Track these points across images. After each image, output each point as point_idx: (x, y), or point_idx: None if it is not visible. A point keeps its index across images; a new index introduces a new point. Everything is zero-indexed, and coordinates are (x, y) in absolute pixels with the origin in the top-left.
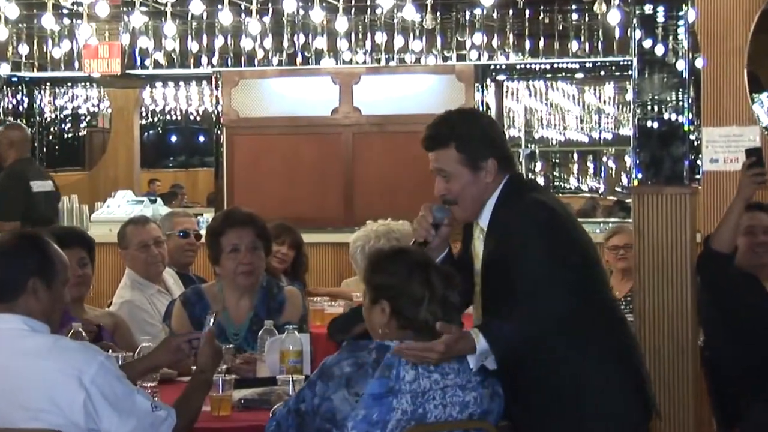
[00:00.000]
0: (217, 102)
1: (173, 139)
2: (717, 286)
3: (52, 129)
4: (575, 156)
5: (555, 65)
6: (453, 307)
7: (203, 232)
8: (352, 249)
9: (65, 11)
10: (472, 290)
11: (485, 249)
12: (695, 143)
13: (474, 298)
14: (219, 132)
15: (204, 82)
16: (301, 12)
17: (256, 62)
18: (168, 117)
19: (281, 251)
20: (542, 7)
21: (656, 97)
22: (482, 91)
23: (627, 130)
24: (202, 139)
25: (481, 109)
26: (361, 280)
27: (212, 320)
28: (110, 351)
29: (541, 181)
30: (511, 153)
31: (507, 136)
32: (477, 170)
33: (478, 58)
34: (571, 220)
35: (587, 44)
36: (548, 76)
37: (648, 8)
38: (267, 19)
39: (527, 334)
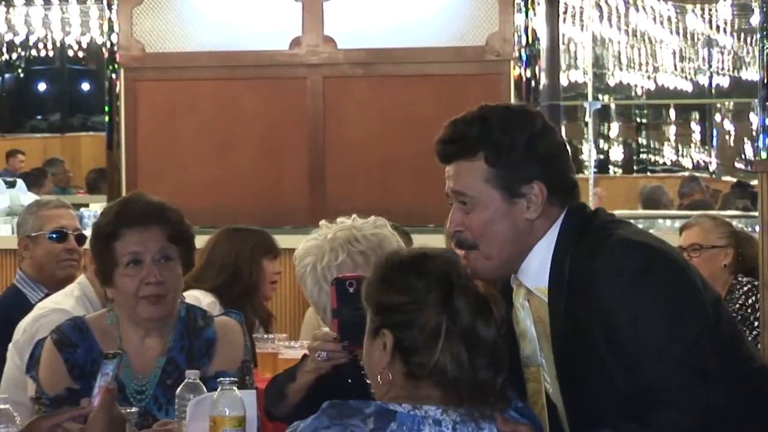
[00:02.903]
0: (111, 29)
1: (41, 87)
2: None
3: None
4: (671, 113)
5: None
6: (485, 349)
7: (88, 232)
8: (300, 268)
9: None
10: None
11: (552, 324)
12: None
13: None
14: (113, 76)
15: (90, 0)
16: None
17: None
18: (34, 53)
19: (275, 270)
20: None
21: None
22: (526, 12)
23: (752, 73)
24: (86, 87)
25: (524, 39)
26: (315, 311)
27: (113, 369)
28: None
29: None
30: (572, 177)
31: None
32: (514, 197)
33: None
34: (684, 263)
35: None
36: None
37: None
38: None
39: None
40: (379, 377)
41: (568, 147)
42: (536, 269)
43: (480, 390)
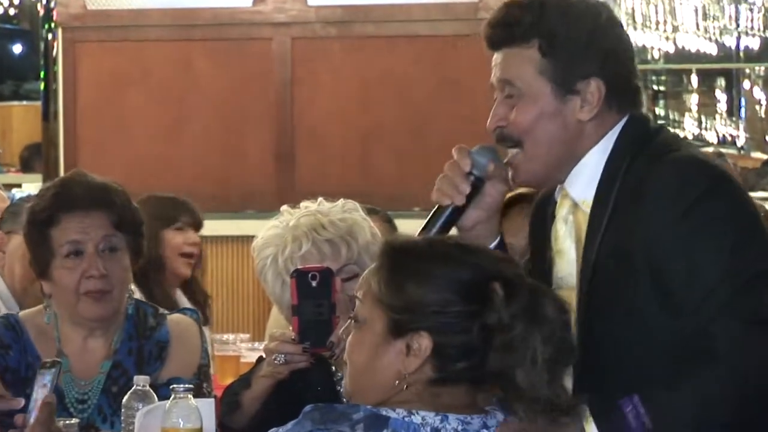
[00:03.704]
0: None
1: None
2: None
3: None
4: (693, 80)
5: None
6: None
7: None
8: (259, 261)
9: None
10: None
11: (590, 241)
12: None
13: None
14: (50, 37)
15: None
16: None
17: None
18: None
19: (188, 240)
20: None
21: None
22: None
23: None
24: (18, 50)
25: None
26: (278, 310)
27: (52, 380)
28: None
29: None
30: (637, 83)
31: None
32: (567, 93)
33: None
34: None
35: None
36: None
37: None
38: None
39: (726, 410)
40: (396, 383)
41: (633, 48)
42: (586, 180)
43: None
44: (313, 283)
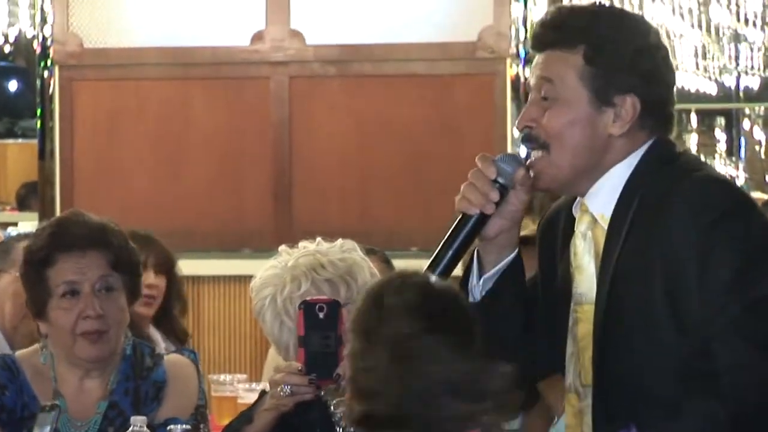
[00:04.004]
0: (44, 22)
1: None
2: None
3: None
4: (693, 119)
5: None
6: (494, 400)
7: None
8: (257, 302)
9: None
10: (564, 338)
11: (608, 255)
12: None
13: (571, 350)
14: (46, 75)
15: None
16: None
17: None
18: None
19: (146, 281)
20: None
21: None
22: (525, 1)
23: None
24: (14, 87)
25: (523, 34)
26: (276, 351)
27: (51, 423)
28: None
29: None
30: (672, 106)
31: None
32: (603, 105)
33: None
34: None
35: None
36: None
37: None
38: None
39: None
40: None
41: (675, 77)
42: (607, 195)
43: None
44: (321, 315)
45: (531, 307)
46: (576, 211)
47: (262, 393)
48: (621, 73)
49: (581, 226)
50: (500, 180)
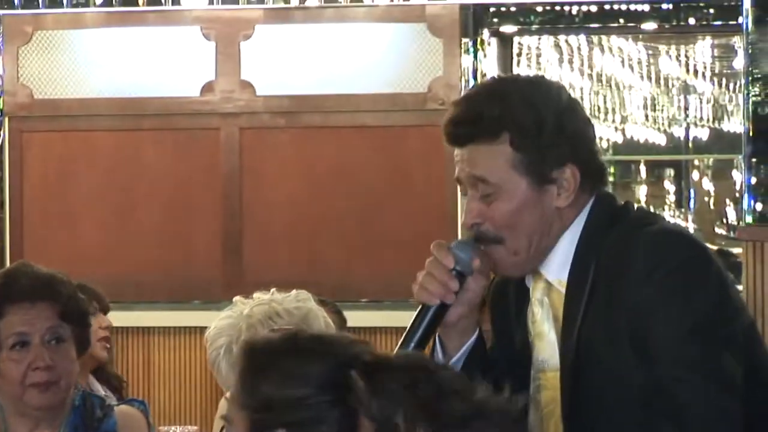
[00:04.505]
0: None
1: None
2: None
3: None
4: (642, 170)
5: (606, 7)
6: None
7: None
8: (212, 351)
9: None
10: (527, 404)
11: (569, 320)
12: None
13: (533, 417)
14: None
15: None
16: None
17: (63, 1)
18: None
19: (102, 324)
20: None
21: None
22: (475, 54)
23: (735, 125)
24: None
25: (470, 83)
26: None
27: None
28: None
29: None
30: (601, 159)
31: None
32: (544, 184)
33: None
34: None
35: None
36: (594, 26)
37: None
38: None
39: None
40: None
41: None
42: (560, 261)
43: None
44: None
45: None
46: (529, 281)
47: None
48: (551, 149)
49: (536, 293)
50: (458, 268)
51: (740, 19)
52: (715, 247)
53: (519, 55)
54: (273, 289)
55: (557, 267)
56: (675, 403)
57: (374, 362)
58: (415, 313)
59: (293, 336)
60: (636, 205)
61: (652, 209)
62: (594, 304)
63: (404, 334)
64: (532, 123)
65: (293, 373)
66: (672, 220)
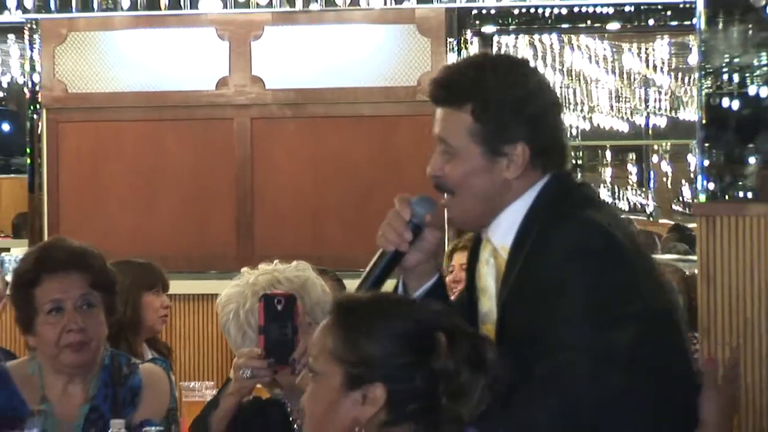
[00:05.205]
0: (32, 69)
1: None
2: None
3: None
4: (608, 155)
5: (575, 10)
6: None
7: (9, 278)
8: (222, 316)
9: None
10: None
11: (504, 283)
12: None
13: None
14: (35, 117)
15: (10, 38)
16: None
17: (95, 5)
18: None
19: (164, 304)
20: None
21: (735, 60)
22: (459, 52)
23: (690, 114)
24: (6, 128)
25: None
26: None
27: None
28: None
29: None
30: (563, 142)
31: None
32: (495, 156)
33: None
34: (637, 252)
35: None
36: (564, 26)
37: None
38: None
39: None
40: (352, 427)
41: (561, 105)
42: (505, 228)
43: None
44: (279, 307)
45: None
46: (483, 237)
47: (227, 380)
48: (508, 126)
49: (485, 254)
50: (414, 220)
51: (694, 20)
52: (672, 222)
53: (499, 52)
54: (276, 261)
55: (503, 233)
56: (562, 376)
57: (450, 326)
58: (375, 256)
59: (387, 298)
60: (589, 189)
61: (617, 189)
62: (518, 273)
63: (364, 275)
64: (495, 100)
65: (387, 333)
66: (634, 198)
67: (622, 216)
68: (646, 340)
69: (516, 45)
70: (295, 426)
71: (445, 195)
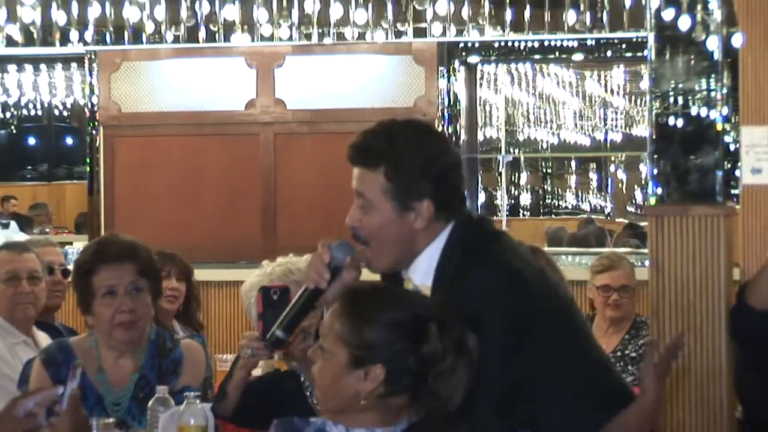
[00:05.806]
0: (92, 92)
1: (32, 141)
2: (755, 346)
3: None
4: (573, 164)
5: (546, 43)
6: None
7: (72, 267)
8: (246, 300)
9: None
10: None
11: None
12: (732, 147)
13: None
14: (94, 133)
15: (73, 66)
16: None
17: (144, 39)
18: (25, 112)
19: (169, 286)
20: None
21: (680, 85)
22: (448, 78)
23: (642, 130)
24: (70, 141)
25: (446, 101)
26: None
27: (77, 376)
28: None
29: (527, 198)
30: (461, 195)
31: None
32: (405, 210)
33: (443, 34)
34: (544, 285)
35: (588, 15)
36: (537, 57)
37: None
38: None
39: None
40: (363, 402)
41: (461, 161)
42: (423, 270)
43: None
44: (275, 297)
45: None
46: (404, 276)
47: (237, 357)
48: (414, 185)
49: (408, 287)
50: (333, 264)
51: (646, 52)
52: (626, 221)
53: (481, 79)
54: (290, 255)
55: (422, 274)
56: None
57: (440, 316)
58: (300, 291)
59: (385, 290)
60: (488, 224)
61: (580, 193)
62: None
63: (287, 309)
64: (404, 163)
65: (387, 323)
66: (595, 201)
67: (518, 241)
68: (562, 343)
69: (496, 73)
70: (308, 393)
71: (362, 246)
